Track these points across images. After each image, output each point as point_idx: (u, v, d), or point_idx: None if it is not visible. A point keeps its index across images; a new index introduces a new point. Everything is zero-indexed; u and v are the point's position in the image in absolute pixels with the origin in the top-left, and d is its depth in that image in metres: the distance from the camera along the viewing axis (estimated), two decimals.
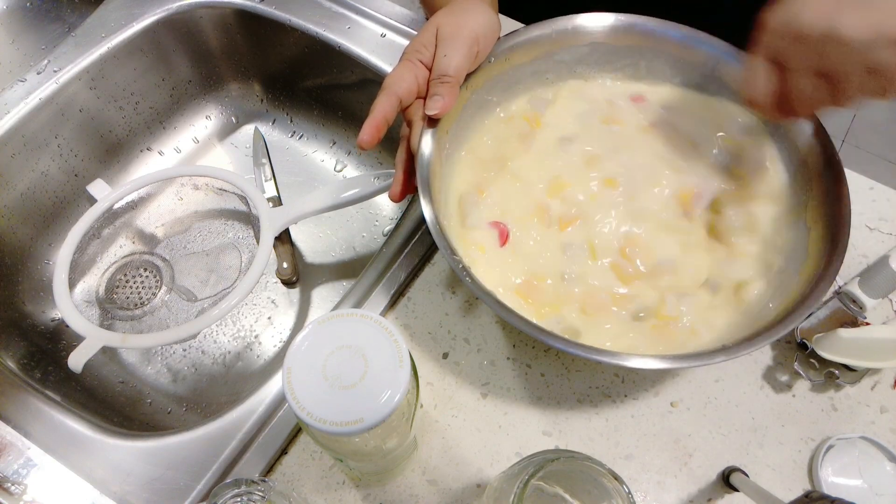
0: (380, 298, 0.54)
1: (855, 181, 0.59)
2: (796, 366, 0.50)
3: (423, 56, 0.48)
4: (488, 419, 0.50)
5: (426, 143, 0.48)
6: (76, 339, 0.52)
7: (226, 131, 0.78)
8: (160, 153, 0.75)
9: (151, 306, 0.65)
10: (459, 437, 0.50)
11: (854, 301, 0.52)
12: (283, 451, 0.49)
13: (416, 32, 0.63)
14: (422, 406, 0.50)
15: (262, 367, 0.65)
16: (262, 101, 0.78)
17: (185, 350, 0.65)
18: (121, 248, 0.69)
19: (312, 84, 0.74)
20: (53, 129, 0.64)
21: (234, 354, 0.65)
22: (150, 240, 0.69)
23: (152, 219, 0.69)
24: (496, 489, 0.39)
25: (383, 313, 0.54)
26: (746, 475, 0.47)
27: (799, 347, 0.51)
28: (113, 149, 0.71)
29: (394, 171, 0.50)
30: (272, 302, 0.68)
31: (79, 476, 0.47)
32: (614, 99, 0.56)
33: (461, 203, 0.52)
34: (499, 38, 0.52)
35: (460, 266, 0.44)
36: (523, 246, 0.51)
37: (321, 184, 0.75)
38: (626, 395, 0.51)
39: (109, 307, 0.65)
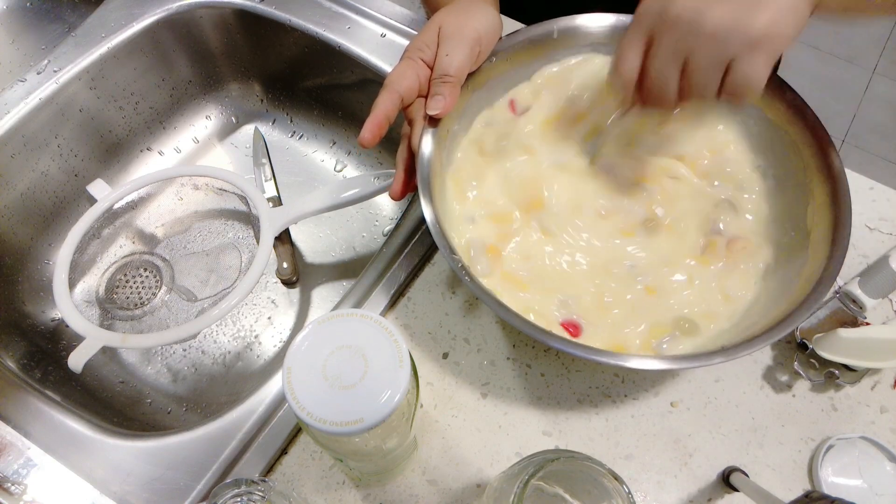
0: (380, 298, 0.54)
1: (855, 181, 0.59)
2: (796, 366, 0.50)
3: (424, 55, 0.48)
4: (488, 419, 0.50)
5: (427, 143, 0.48)
6: (76, 339, 0.52)
7: (226, 131, 0.78)
8: (160, 153, 0.75)
9: (151, 306, 0.65)
10: (459, 437, 0.50)
11: (854, 301, 0.52)
12: (283, 451, 0.49)
13: (416, 32, 0.63)
14: (422, 406, 0.50)
15: (262, 367, 0.65)
16: (262, 101, 0.78)
17: (185, 350, 0.65)
18: (121, 248, 0.69)
19: (312, 84, 0.74)
20: (53, 129, 0.64)
21: (234, 354, 0.65)
22: (150, 240, 0.69)
23: (152, 219, 0.69)
24: (496, 489, 0.39)
25: (383, 313, 0.54)
26: (746, 475, 0.47)
27: (799, 347, 0.51)
28: (113, 149, 0.71)
29: (394, 170, 0.50)
30: (272, 302, 0.68)
31: (79, 476, 0.47)
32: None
33: (461, 203, 0.52)
34: (500, 37, 0.52)
35: (460, 266, 0.44)
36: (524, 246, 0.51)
37: (321, 184, 0.75)
38: (626, 395, 0.51)
39: (109, 307, 0.65)
